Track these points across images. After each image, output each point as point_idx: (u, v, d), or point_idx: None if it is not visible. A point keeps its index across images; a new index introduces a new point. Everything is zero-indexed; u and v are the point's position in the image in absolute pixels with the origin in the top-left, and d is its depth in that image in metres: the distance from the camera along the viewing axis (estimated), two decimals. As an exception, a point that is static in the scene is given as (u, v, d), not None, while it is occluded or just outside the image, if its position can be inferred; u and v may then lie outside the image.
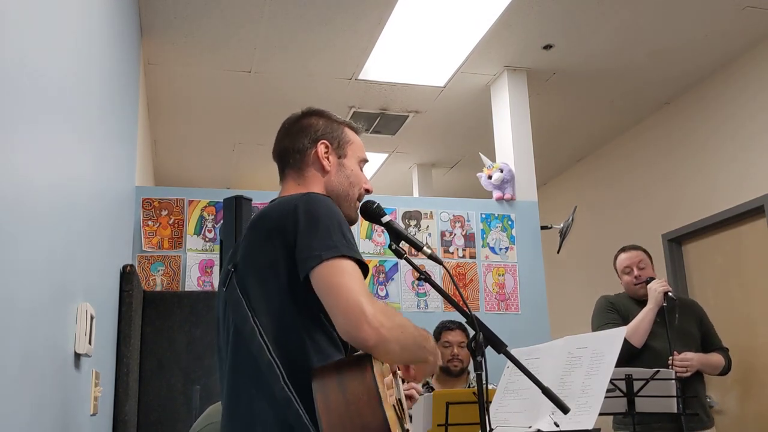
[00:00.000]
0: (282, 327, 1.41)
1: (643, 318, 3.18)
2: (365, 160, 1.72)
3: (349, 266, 1.37)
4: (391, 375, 1.54)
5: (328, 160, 1.64)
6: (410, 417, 2.36)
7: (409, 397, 1.72)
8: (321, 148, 1.64)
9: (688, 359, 3.12)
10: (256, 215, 1.53)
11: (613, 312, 3.31)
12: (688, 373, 3.10)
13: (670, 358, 3.07)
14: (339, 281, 1.35)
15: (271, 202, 1.57)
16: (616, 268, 3.44)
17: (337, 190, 1.64)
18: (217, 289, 1.73)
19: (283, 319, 1.42)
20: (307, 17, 3.91)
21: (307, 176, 1.64)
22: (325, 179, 1.64)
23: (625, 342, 3.08)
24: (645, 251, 3.41)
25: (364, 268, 1.41)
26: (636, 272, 3.32)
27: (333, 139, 1.66)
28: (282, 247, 1.42)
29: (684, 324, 3.24)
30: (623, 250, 3.43)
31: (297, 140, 1.66)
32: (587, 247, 5.85)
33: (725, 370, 3.29)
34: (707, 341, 3.31)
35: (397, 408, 1.40)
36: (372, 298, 1.35)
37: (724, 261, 4.58)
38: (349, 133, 1.70)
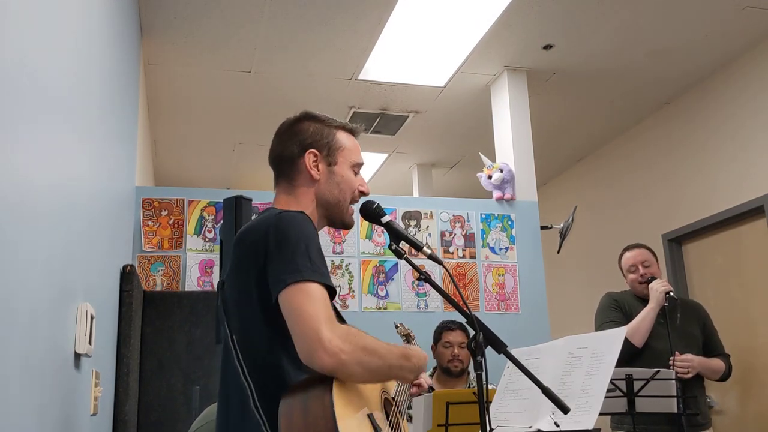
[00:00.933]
0: (256, 348, 1.44)
1: (644, 318, 3.17)
2: (360, 164, 1.70)
3: (312, 290, 1.37)
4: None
5: (317, 169, 1.63)
6: (410, 417, 2.36)
7: (418, 384, 1.73)
8: (309, 158, 1.63)
9: (689, 360, 3.11)
10: (239, 234, 1.54)
11: (616, 310, 3.31)
12: (689, 375, 3.09)
13: (671, 358, 3.07)
14: (298, 306, 1.35)
15: (260, 213, 1.59)
16: (621, 266, 3.44)
17: (326, 198, 1.64)
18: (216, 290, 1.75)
19: (257, 341, 1.45)
20: (307, 17, 3.91)
21: (296, 186, 1.64)
22: (315, 188, 1.64)
23: (626, 342, 3.08)
24: (650, 250, 3.40)
25: (331, 291, 1.42)
26: (641, 270, 3.31)
27: (322, 147, 1.65)
28: (254, 270, 1.44)
29: (686, 325, 3.23)
30: (628, 249, 3.43)
31: (287, 147, 1.66)
32: (587, 247, 5.85)
33: (725, 376, 3.28)
34: (709, 346, 3.29)
35: (374, 418, 1.41)
36: (332, 323, 1.35)
37: (724, 261, 4.58)
38: (342, 138, 1.68)
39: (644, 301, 3.29)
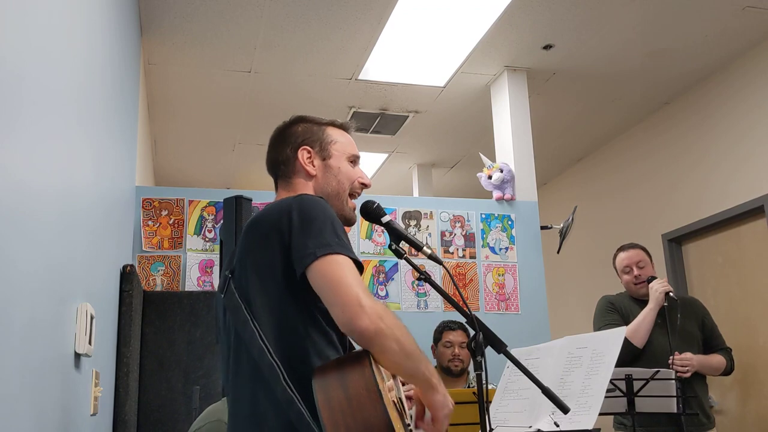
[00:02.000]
0: (281, 328, 1.42)
1: (644, 318, 3.17)
2: (356, 156, 1.71)
3: (344, 261, 1.38)
4: (391, 379, 1.55)
5: (312, 164, 1.65)
6: (410, 416, 2.36)
7: (409, 398, 1.72)
8: (303, 154, 1.65)
9: (687, 359, 3.11)
10: (250, 220, 1.54)
11: (613, 312, 3.31)
12: (689, 374, 3.09)
13: (671, 357, 3.07)
14: (335, 275, 1.36)
15: (268, 205, 1.59)
16: (615, 267, 3.44)
17: (326, 191, 1.64)
18: (216, 291, 1.74)
19: (282, 320, 1.43)
20: (307, 17, 3.91)
21: (295, 184, 1.65)
22: (313, 183, 1.65)
23: (627, 342, 3.08)
24: (644, 249, 3.40)
25: (359, 266, 1.42)
26: (636, 272, 3.31)
27: (314, 143, 1.66)
28: (278, 248, 1.43)
29: (685, 324, 3.23)
30: (622, 249, 3.42)
31: (281, 151, 1.68)
32: (587, 247, 5.85)
33: (727, 371, 3.26)
34: (709, 342, 3.28)
35: (398, 405, 1.40)
36: (370, 294, 1.36)
37: (724, 261, 4.58)
38: (333, 133, 1.70)
39: (640, 302, 3.30)
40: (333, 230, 1.42)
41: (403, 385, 1.69)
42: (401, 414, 1.39)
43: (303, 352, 1.40)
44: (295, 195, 1.53)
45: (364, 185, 1.70)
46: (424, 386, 1.44)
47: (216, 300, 1.61)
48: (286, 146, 1.67)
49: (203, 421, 2.06)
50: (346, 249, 1.40)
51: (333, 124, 1.72)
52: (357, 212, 1.72)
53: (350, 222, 1.70)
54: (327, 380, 1.31)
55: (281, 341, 1.41)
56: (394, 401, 1.40)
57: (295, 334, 1.41)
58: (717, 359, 3.23)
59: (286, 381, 1.36)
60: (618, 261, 3.41)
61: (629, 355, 3.08)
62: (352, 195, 1.68)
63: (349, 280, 1.35)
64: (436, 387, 1.44)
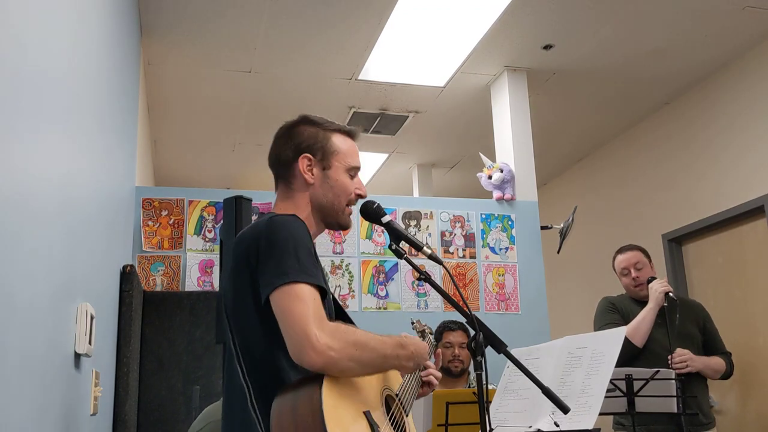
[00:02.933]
0: (252, 350, 1.47)
1: (644, 318, 3.17)
2: (356, 167, 1.70)
3: (300, 291, 1.40)
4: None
5: (311, 173, 1.65)
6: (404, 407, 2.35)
7: (428, 383, 1.73)
8: (303, 162, 1.65)
9: (685, 354, 3.10)
10: (238, 236, 1.58)
11: (614, 312, 3.31)
12: (688, 369, 3.08)
13: (670, 356, 3.07)
14: (287, 308, 1.38)
15: (259, 217, 1.62)
16: (614, 268, 3.44)
17: (321, 202, 1.65)
18: (218, 291, 1.78)
19: (253, 342, 1.48)
20: (308, 17, 3.91)
21: (293, 189, 1.66)
22: (310, 192, 1.65)
23: (627, 342, 3.08)
24: (642, 250, 3.40)
25: (322, 291, 1.44)
26: (633, 273, 3.31)
27: (317, 151, 1.66)
28: (248, 275, 1.48)
29: (685, 325, 3.23)
30: (620, 251, 3.42)
31: (283, 151, 1.68)
32: (587, 247, 5.85)
33: (726, 375, 3.27)
34: (709, 345, 3.28)
35: (371, 416, 1.41)
36: (321, 321, 1.37)
37: (724, 261, 4.58)
38: (337, 142, 1.68)
39: (640, 303, 3.29)
40: (294, 255, 1.44)
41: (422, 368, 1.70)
42: (372, 425, 1.40)
43: (272, 374, 1.44)
44: (268, 217, 1.55)
45: (360, 196, 1.70)
46: (402, 367, 1.54)
47: (217, 301, 1.65)
48: (289, 147, 1.67)
49: (204, 421, 2.06)
50: (304, 274, 1.42)
51: (340, 130, 1.71)
52: (355, 216, 1.72)
53: (345, 227, 1.73)
54: (282, 402, 1.36)
55: (252, 363, 1.46)
56: (369, 409, 1.42)
57: (265, 358, 1.45)
58: (717, 361, 3.23)
59: (252, 402, 1.42)
60: (616, 263, 3.41)
61: (629, 355, 3.08)
62: (348, 204, 1.69)
63: (298, 312, 1.37)
64: (407, 358, 1.53)
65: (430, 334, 2.24)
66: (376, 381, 1.54)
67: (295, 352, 1.36)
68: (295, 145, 1.66)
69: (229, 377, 1.52)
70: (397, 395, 1.61)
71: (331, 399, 1.33)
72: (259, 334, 1.46)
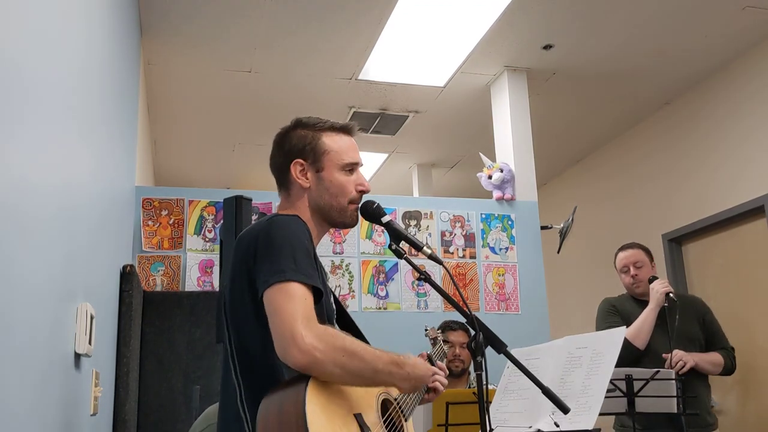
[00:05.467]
0: (251, 350, 1.48)
1: (645, 319, 3.16)
2: (352, 164, 1.67)
3: (293, 289, 1.40)
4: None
5: (305, 178, 1.65)
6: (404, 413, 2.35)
7: (434, 389, 1.70)
8: (296, 169, 1.65)
9: (677, 354, 3.08)
10: (239, 236, 1.59)
11: (614, 315, 3.30)
12: (686, 368, 3.06)
13: (669, 356, 3.06)
14: (278, 305, 1.39)
15: (259, 217, 1.65)
16: (615, 266, 3.44)
17: (319, 204, 1.65)
18: (218, 291, 1.79)
19: (251, 342, 1.48)
20: (307, 17, 3.91)
21: (291, 195, 1.68)
22: (307, 196, 1.66)
23: (629, 344, 3.08)
24: (644, 249, 3.39)
25: (317, 292, 1.44)
26: (633, 271, 3.31)
27: (307, 155, 1.65)
28: (246, 274, 1.49)
29: (686, 325, 3.21)
30: (621, 249, 3.42)
31: (277, 157, 1.70)
32: (587, 247, 5.85)
33: (727, 370, 3.23)
34: (710, 340, 3.26)
35: (361, 419, 1.41)
36: (310, 321, 1.37)
37: (724, 261, 4.58)
38: (328, 141, 1.66)
39: (640, 302, 3.29)
40: (290, 255, 1.44)
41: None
42: (363, 427, 1.40)
43: (268, 373, 1.45)
44: (269, 217, 1.57)
45: (363, 191, 1.68)
46: (396, 386, 1.51)
47: (217, 300, 1.66)
48: (282, 155, 1.68)
49: (205, 422, 2.06)
50: (299, 274, 1.42)
51: (332, 128, 1.69)
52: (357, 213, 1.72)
53: (350, 225, 1.72)
54: (269, 402, 1.36)
55: (245, 361, 1.48)
56: (386, 399, 1.43)
57: (263, 357, 1.45)
58: (714, 356, 3.20)
59: (242, 400, 1.44)
60: (617, 261, 3.41)
61: (631, 357, 3.07)
62: (353, 202, 1.67)
63: (287, 310, 1.37)
64: (400, 388, 1.51)
65: (443, 341, 2.23)
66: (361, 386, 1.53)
67: (280, 349, 1.36)
68: (286, 152, 1.67)
69: (224, 376, 1.53)
70: (395, 399, 1.60)
71: (318, 399, 1.33)
72: (255, 333, 1.46)
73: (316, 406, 1.31)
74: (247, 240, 1.52)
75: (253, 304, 1.46)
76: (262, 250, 1.47)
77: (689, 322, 3.24)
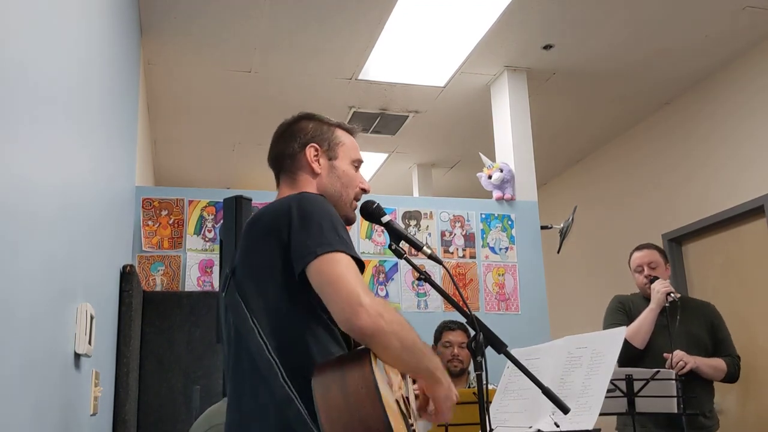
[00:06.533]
0: (281, 326, 1.43)
1: (644, 319, 3.16)
2: (359, 161, 1.72)
3: (344, 259, 1.38)
4: (399, 376, 1.54)
5: (318, 162, 1.65)
6: (415, 414, 2.36)
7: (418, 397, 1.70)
8: (310, 152, 1.65)
9: (678, 354, 3.07)
10: (250, 218, 1.55)
11: (621, 312, 3.29)
12: (686, 369, 3.05)
13: (669, 356, 3.05)
14: (335, 273, 1.35)
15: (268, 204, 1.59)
16: (629, 265, 3.43)
17: (329, 192, 1.64)
18: (218, 291, 1.75)
19: (281, 317, 1.43)
20: (307, 17, 3.91)
21: (299, 180, 1.65)
22: (317, 182, 1.65)
23: (628, 344, 3.07)
24: (660, 250, 3.38)
25: (360, 265, 1.41)
26: (647, 271, 3.30)
27: (323, 141, 1.67)
28: (277, 246, 1.44)
29: (691, 326, 3.19)
30: (637, 248, 3.40)
31: (288, 145, 1.68)
32: (587, 247, 5.85)
33: (730, 377, 3.20)
34: (717, 347, 3.23)
35: (401, 404, 1.40)
36: (370, 291, 1.36)
37: (724, 261, 4.58)
38: (341, 135, 1.70)
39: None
40: (333, 228, 1.42)
41: (414, 382, 1.68)
42: (405, 414, 1.39)
43: (304, 349, 1.40)
44: (296, 192, 1.53)
45: (364, 190, 1.71)
46: (428, 380, 1.46)
47: (218, 299, 1.62)
48: (294, 141, 1.67)
49: (207, 424, 2.06)
50: (346, 247, 1.40)
51: (340, 126, 1.72)
52: (357, 212, 1.72)
53: (351, 221, 1.70)
54: (326, 378, 1.30)
55: (280, 338, 1.41)
56: (398, 399, 1.40)
57: (295, 332, 1.41)
58: (717, 361, 3.18)
59: (284, 379, 1.36)
60: (632, 260, 3.40)
61: (630, 357, 3.07)
62: (356, 198, 1.69)
63: (348, 278, 1.34)
64: (440, 380, 1.45)
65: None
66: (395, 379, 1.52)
67: (346, 314, 1.31)
68: (301, 138, 1.67)
69: (240, 362, 1.46)
70: (406, 398, 1.60)
71: (378, 378, 1.30)
72: (286, 309, 1.42)
73: (381, 384, 1.29)
74: (273, 215, 1.47)
75: (284, 279, 1.42)
76: (298, 223, 1.42)
77: (697, 327, 3.22)
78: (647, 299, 3.31)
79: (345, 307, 1.32)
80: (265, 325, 1.43)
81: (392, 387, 1.40)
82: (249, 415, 1.42)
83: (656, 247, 3.39)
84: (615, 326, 3.10)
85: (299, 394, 1.34)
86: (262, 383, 1.40)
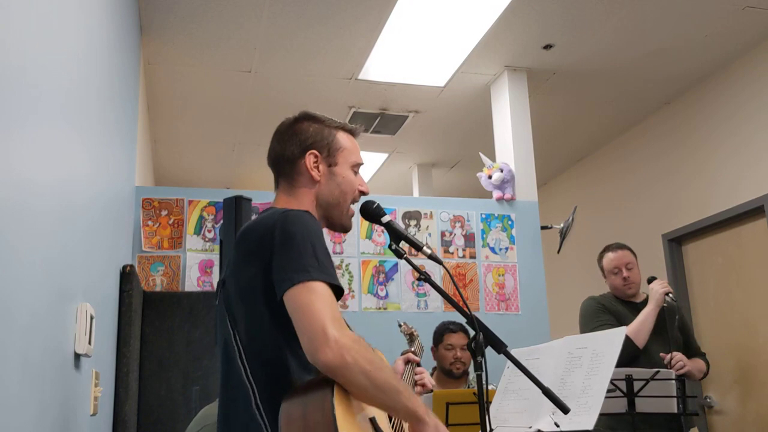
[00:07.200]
0: (262, 349, 1.42)
1: (646, 318, 3.16)
2: (359, 164, 1.69)
3: (319, 289, 1.35)
4: (402, 363, 1.54)
5: (317, 170, 1.62)
6: None
7: (421, 385, 1.71)
8: (310, 159, 1.62)
9: (677, 355, 3.09)
10: (242, 229, 1.53)
11: (606, 313, 3.28)
12: (683, 371, 3.07)
13: (669, 356, 3.06)
14: (305, 304, 1.33)
15: (262, 212, 1.57)
16: (601, 266, 3.42)
17: (327, 200, 1.62)
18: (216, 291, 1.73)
19: (262, 340, 1.43)
20: (307, 17, 3.91)
21: (297, 187, 1.63)
22: (316, 189, 1.62)
23: (630, 342, 3.08)
24: (631, 250, 3.39)
25: (338, 291, 1.40)
26: (625, 273, 3.30)
27: (323, 148, 1.63)
28: (260, 268, 1.42)
29: (670, 326, 3.23)
30: (609, 249, 3.40)
31: (287, 148, 1.64)
32: (587, 247, 5.83)
33: (704, 375, 3.30)
34: (688, 343, 3.28)
35: (375, 425, 1.39)
36: (340, 323, 1.33)
37: (724, 261, 4.58)
38: (342, 139, 1.66)
39: (626, 303, 3.30)
40: (313, 252, 1.40)
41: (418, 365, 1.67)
42: (378, 431, 1.38)
43: (281, 373, 1.40)
44: (282, 210, 1.50)
45: (363, 193, 1.69)
46: (410, 420, 1.40)
47: (216, 301, 1.61)
48: (294, 144, 1.64)
49: (200, 423, 2.06)
50: (324, 273, 1.38)
51: (343, 128, 1.69)
52: (357, 213, 1.72)
53: (346, 229, 1.69)
54: (291, 406, 1.31)
55: (261, 361, 1.42)
56: (372, 420, 1.39)
57: (275, 355, 1.41)
58: (700, 363, 3.26)
59: (257, 405, 1.37)
60: (606, 261, 3.38)
61: (629, 356, 3.07)
62: (352, 202, 1.67)
63: (317, 309, 1.32)
64: (422, 419, 1.39)
65: (418, 337, 2.21)
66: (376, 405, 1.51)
67: (310, 348, 1.30)
68: (301, 142, 1.63)
69: (226, 376, 1.46)
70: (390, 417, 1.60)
71: (341, 404, 1.30)
72: (267, 331, 1.41)
73: (341, 412, 1.28)
74: (259, 233, 1.46)
75: (266, 301, 1.41)
76: (280, 244, 1.40)
77: (671, 327, 3.24)
78: (620, 300, 3.32)
79: (309, 339, 1.31)
80: (246, 346, 1.43)
81: (373, 412, 1.39)
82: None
83: (628, 247, 3.39)
84: (604, 326, 3.10)
85: (270, 422, 1.35)
86: (238, 405, 1.41)
